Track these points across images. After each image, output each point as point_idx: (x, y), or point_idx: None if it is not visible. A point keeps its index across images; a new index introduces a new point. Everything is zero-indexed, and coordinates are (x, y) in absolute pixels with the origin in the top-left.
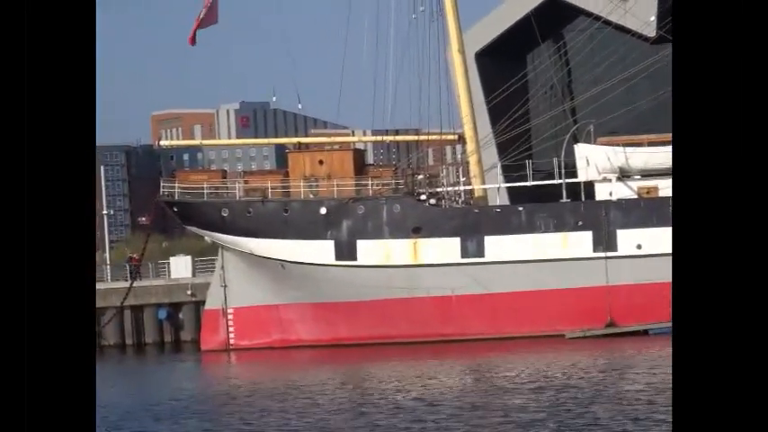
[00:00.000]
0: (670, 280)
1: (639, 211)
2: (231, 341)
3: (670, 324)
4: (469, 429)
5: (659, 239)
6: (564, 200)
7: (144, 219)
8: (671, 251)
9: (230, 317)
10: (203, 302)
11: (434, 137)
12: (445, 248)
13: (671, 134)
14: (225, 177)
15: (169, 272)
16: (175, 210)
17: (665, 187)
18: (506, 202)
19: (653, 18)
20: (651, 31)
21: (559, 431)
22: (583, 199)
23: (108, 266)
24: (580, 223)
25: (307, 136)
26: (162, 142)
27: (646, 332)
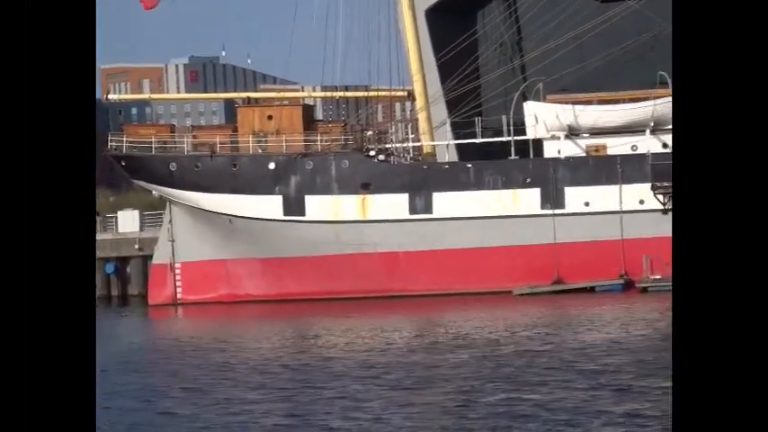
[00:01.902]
0: (618, 237)
1: (588, 169)
2: (178, 296)
3: (616, 281)
4: (412, 383)
5: (607, 197)
6: (512, 157)
7: None
8: (619, 209)
9: (178, 271)
10: (151, 257)
11: (384, 93)
12: (393, 205)
13: (620, 92)
14: (173, 132)
15: (117, 226)
16: (123, 164)
17: (613, 145)
18: (455, 158)
19: None
20: None
21: (500, 387)
22: (531, 156)
23: None
24: (528, 180)
25: (256, 91)
26: (110, 96)
27: (593, 289)
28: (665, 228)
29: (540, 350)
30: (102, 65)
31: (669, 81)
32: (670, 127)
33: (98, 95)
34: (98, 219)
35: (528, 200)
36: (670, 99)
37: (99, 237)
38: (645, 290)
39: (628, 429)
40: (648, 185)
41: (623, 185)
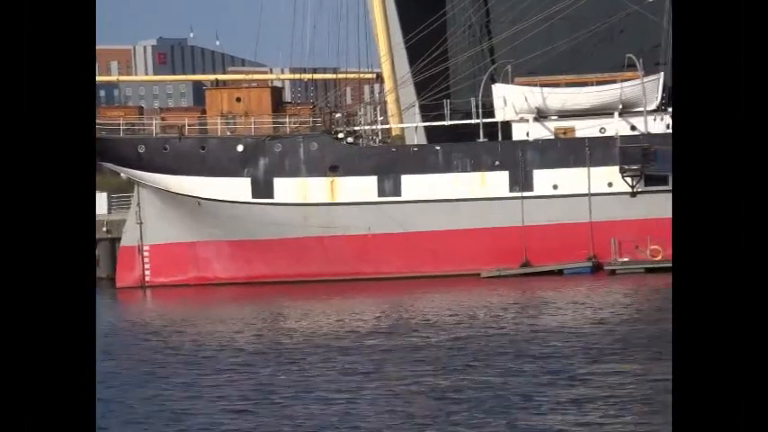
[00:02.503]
0: (586, 220)
1: (556, 152)
2: (147, 278)
3: (584, 264)
4: (364, 368)
5: (575, 180)
6: (481, 139)
7: None
8: (587, 192)
9: (146, 254)
10: (119, 239)
11: (352, 75)
12: (362, 187)
13: (588, 75)
14: (141, 114)
15: None
16: None
17: (581, 128)
18: (424, 141)
19: None
20: None
21: (467, 366)
22: (500, 139)
23: None
24: (497, 163)
25: (224, 73)
26: None
27: (560, 272)
28: (633, 211)
29: (496, 333)
30: None
31: (637, 63)
32: (639, 109)
33: None
34: None
35: (496, 182)
36: (638, 82)
37: None
38: (613, 272)
39: (572, 414)
40: (617, 168)
41: (591, 168)
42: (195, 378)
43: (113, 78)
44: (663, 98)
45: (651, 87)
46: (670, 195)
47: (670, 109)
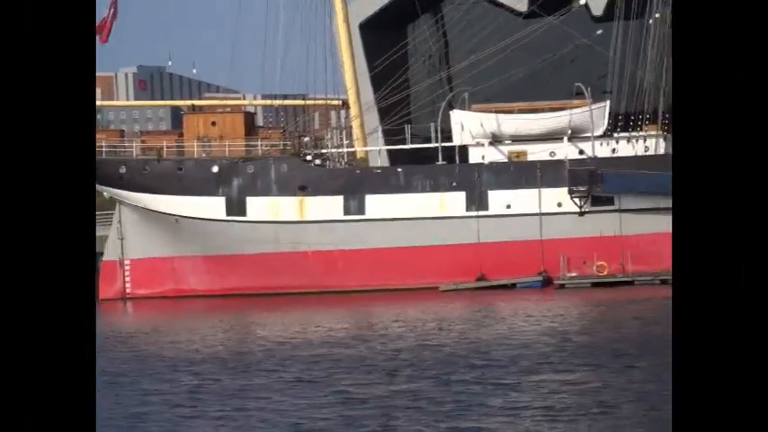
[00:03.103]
0: (537, 237)
1: (509, 174)
2: (127, 290)
3: (535, 278)
4: (308, 377)
5: (527, 200)
6: (440, 162)
7: None
8: (538, 211)
9: (127, 268)
10: (101, 254)
11: (320, 102)
12: (329, 206)
13: (540, 102)
14: (123, 137)
15: None
16: None
17: (533, 152)
18: (386, 163)
19: None
20: (523, 7)
21: (388, 380)
22: (457, 162)
23: None
24: (454, 184)
25: (200, 99)
26: None
27: (513, 285)
28: (581, 229)
29: (446, 342)
30: None
31: (585, 92)
32: (586, 135)
33: None
34: None
35: (454, 202)
36: (586, 109)
37: None
38: (562, 286)
39: (505, 420)
40: (566, 189)
41: (542, 189)
42: (151, 383)
43: (96, 103)
44: (608, 124)
45: (598, 114)
46: (616, 215)
47: (615, 134)
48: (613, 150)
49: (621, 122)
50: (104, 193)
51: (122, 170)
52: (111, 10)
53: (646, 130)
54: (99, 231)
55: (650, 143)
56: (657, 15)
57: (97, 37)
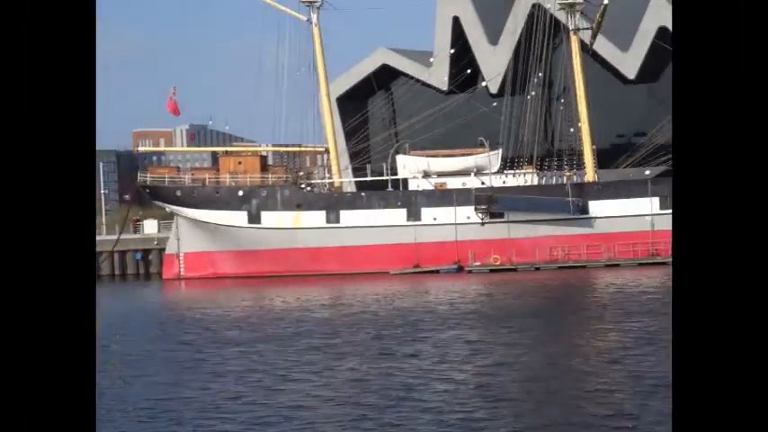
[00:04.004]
0: (454, 239)
1: (435, 197)
2: (182, 273)
3: (452, 266)
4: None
5: (447, 214)
6: (389, 189)
7: (127, 196)
8: (455, 222)
9: (181, 258)
10: (164, 249)
11: (310, 149)
12: (315, 218)
13: (456, 150)
14: (179, 172)
15: (143, 230)
16: (147, 191)
17: (451, 183)
18: (354, 189)
19: (445, 78)
20: (444, 87)
21: (366, 327)
22: (401, 189)
23: (104, 225)
24: (399, 203)
25: (231, 146)
26: (140, 149)
27: (437, 271)
28: (482, 234)
29: (388, 309)
30: (133, 129)
31: (485, 143)
32: (486, 172)
33: (131, 148)
34: (132, 226)
35: (399, 216)
36: (486, 155)
37: (132, 237)
38: (470, 272)
39: (411, 363)
40: (473, 207)
41: (457, 207)
42: (199, 329)
43: (161, 149)
44: (500, 165)
45: (494, 158)
46: (505, 224)
47: (505, 171)
48: (504, 182)
49: (509, 164)
50: (167, 209)
51: (178, 193)
52: (174, 95)
53: (524, 169)
54: (163, 234)
55: (528, 177)
56: (533, 93)
57: (171, 113)
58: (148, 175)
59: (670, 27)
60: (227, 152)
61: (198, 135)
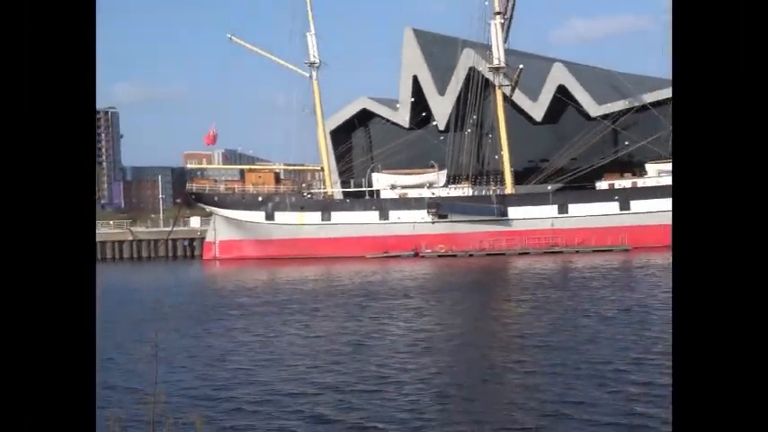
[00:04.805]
0: (412, 233)
1: (400, 203)
2: (217, 256)
3: (410, 252)
4: (305, 295)
5: (408, 215)
6: (367, 197)
7: (179, 200)
8: (413, 221)
9: (217, 245)
10: (204, 238)
11: (310, 167)
12: (314, 217)
13: (415, 170)
14: (216, 183)
15: (190, 224)
16: (193, 196)
17: (411, 193)
18: (341, 197)
19: (407, 118)
20: (407, 125)
21: (367, 297)
22: (375, 197)
23: (161, 221)
24: (373, 207)
25: (254, 165)
26: (188, 166)
27: (399, 256)
28: (433, 230)
29: (360, 282)
30: (184, 151)
31: (436, 165)
32: (436, 186)
33: (183, 165)
34: (182, 221)
35: (373, 216)
36: (435, 174)
37: (182, 228)
38: (423, 257)
39: (371, 324)
40: (426, 211)
41: (415, 210)
42: (233, 296)
43: (204, 166)
44: (446, 181)
45: (441, 176)
46: (450, 223)
47: (449, 186)
48: (448, 193)
49: (452, 180)
50: (207, 209)
51: (216, 198)
52: (214, 128)
53: (462, 184)
54: (203, 227)
55: (465, 190)
56: (469, 130)
57: (207, 143)
58: (194, 185)
59: (567, 85)
60: (251, 169)
61: (230, 156)
